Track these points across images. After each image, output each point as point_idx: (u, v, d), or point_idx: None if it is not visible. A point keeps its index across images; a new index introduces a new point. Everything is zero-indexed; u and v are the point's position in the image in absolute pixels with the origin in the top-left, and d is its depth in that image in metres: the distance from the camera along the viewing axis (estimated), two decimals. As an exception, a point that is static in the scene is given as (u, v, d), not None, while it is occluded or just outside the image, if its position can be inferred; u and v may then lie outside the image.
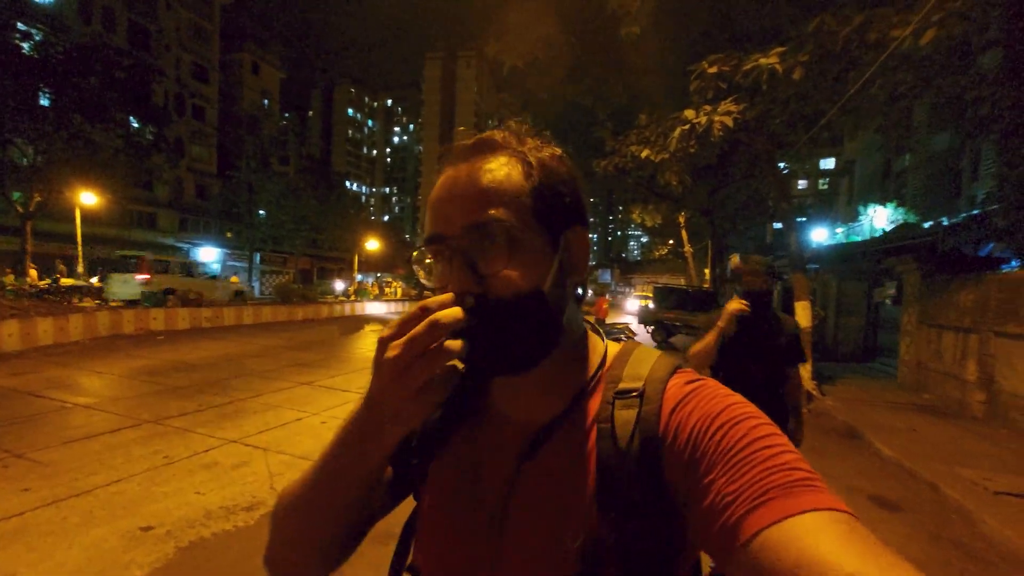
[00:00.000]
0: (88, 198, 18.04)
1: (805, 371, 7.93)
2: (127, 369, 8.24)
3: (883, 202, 28.17)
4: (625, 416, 0.52)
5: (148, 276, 18.10)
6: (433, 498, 0.60)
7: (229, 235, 35.22)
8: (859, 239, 24.01)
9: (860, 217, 29.95)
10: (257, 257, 35.54)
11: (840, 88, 7.02)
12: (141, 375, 7.78)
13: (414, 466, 0.63)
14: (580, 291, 0.59)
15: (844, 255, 13.67)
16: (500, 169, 0.53)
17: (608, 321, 11.23)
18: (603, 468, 0.51)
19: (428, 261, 0.56)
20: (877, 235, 20.83)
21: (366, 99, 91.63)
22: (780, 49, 5.84)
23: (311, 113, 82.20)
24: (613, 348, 0.62)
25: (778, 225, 37.38)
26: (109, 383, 7.28)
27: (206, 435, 4.98)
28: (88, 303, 14.89)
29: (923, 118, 19.49)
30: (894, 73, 6.55)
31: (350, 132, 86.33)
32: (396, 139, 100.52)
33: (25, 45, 16.24)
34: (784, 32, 7.21)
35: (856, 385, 9.38)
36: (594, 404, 0.56)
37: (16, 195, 17.51)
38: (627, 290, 65.56)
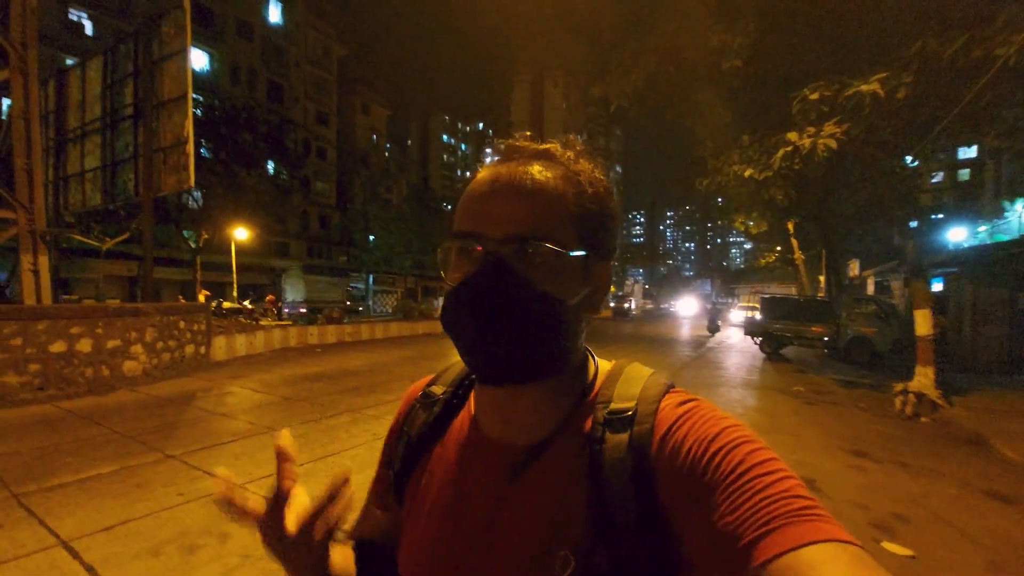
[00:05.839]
0: (241, 233, 21.80)
1: (927, 379, 7.87)
2: (310, 374, 10.19)
3: (1034, 195, 24.93)
4: (616, 439, 0.51)
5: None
6: (417, 517, 0.61)
7: (343, 259, 39.57)
8: (1005, 238, 21.54)
9: (1006, 213, 26.66)
10: (371, 278, 39.36)
11: (953, 95, 7.06)
12: (322, 379, 9.63)
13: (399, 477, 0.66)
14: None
15: (984, 257, 12.73)
16: (554, 185, 0.53)
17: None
18: (594, 491, 0.50)
19: (451, 255, 0.56)
20: (1025, 233, 18.74)
21: (459, 125, 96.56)
22: (881, 75, 6.16)
23: (410, 143, 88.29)
24: (604, 367, 0.62)
25: (914, 223, 33.71)
26: (304, 384, 9.12)
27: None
28: (243, 322, 17.81)
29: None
30: (1004, 85, 6.57)
31: (445, 157, 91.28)
32: (488, 160, 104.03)
33: (198, 111, 19.99)
34: (887, 54, 7.32)
35: (992, 396, 8.93)
36: (585, 426, 0.55)
37: (187, 233, 21.62)
38: (730, 300, 62.29)
